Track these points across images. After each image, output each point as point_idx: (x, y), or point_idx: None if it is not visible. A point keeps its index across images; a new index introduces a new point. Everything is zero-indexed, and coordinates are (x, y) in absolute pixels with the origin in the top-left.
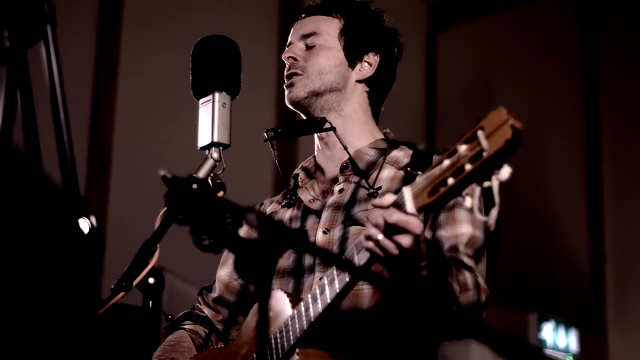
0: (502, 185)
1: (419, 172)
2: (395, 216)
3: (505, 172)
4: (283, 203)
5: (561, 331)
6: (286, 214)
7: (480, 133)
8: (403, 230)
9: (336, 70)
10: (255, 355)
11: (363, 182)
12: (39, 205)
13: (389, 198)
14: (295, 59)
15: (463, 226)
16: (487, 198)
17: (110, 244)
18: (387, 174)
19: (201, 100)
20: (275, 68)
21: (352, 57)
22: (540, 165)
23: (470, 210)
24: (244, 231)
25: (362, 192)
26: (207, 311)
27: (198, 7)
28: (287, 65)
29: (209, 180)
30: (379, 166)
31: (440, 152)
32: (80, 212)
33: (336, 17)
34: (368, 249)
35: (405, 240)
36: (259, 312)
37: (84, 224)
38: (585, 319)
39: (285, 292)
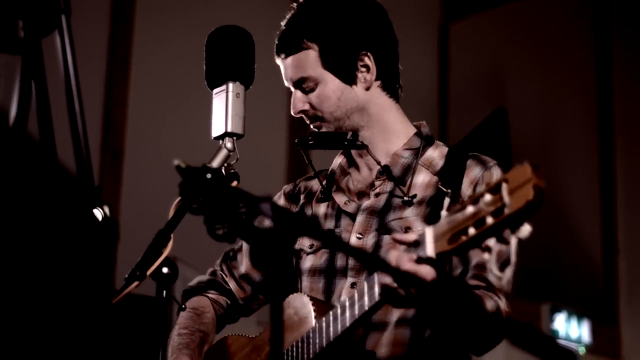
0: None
1: (449, 190)
2: (407, 266)
3: (525, 231)
4: (316, 198)
5: (574, 322)
6: (320, 209)
7: (504, 187)
8: (414, 277)
9: (343, 98)
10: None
11: (397, 191)
12: (54, 195)
13: (411, 236)
14: (304, 111)
15: (489, 241)
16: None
17: (123, 234)
18: (422, 180)
19: (215, 91)
20: None
21: (347, 76)
22: (553, 157)
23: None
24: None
25: (397, 199)
26: (232, 285)
27: None
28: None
29: (223, 170)
30: (414, 169)
31: (475, 154)
32: (94, 202)
33: (310, 47)
34: (382, 289)
35: (414, 287)
36: (272, 302)
37: (98, 214)
38: (598, 310)
39: (312, 298)
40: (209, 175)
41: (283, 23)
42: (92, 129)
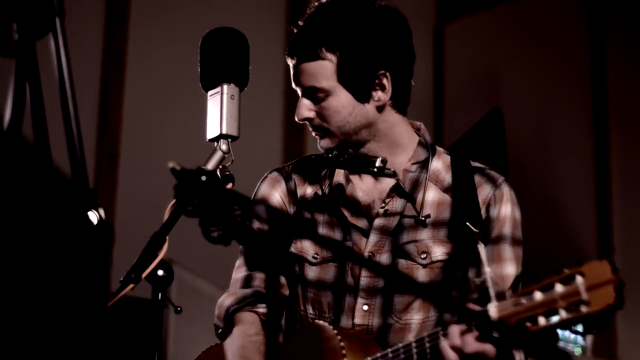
0: (510, 175)
1: (471, 226)
2: (474, 346)
3: (597, 331)
4: (315, 198)
5: None
6: (321, 215)
7: (580, 280)
8: (480, 356)
9: (353, 114)
10: None
11: (408, 210)
12: (49, 198)
13: (475, 308)
14: (309, 119)
15: (508, 266)
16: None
17: (118, 237)
18: (432, 197)
19: (209, 93)
20: (282, 60)
21: (362, 94)
22: (548, 158)
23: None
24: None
25: (409, 219)
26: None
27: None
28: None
29: (218, 173)
30: (423, 185)
31: (479, 167)
32: (89, 204)
33: (327, 58)
34: None
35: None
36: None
37: (93, 217)
38: None
39: (336, 330)
40: (203, 178)
41: (300, 22)
42: (88, 130)
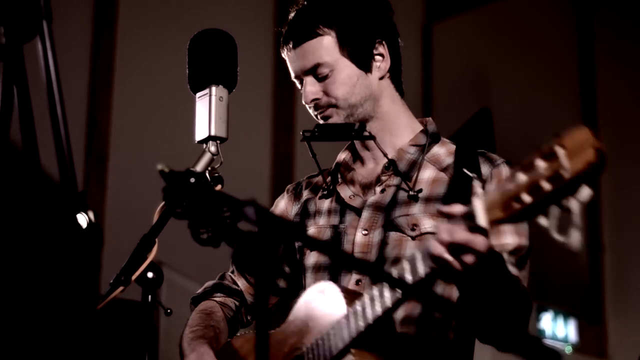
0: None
1: (475, 175)
2: (461, 235)
3: (586, 193)
4: (320, 193)
5: (560, 321)
6: (324, 205)
7: (560, 151)
8: (469, 248)
9: (358, 85)
10: (305, 347)
11: (403, 185)
12: (37, 201)
13: (459, 208)
14: (317, 100)
15: (507, 236)
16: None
17: (108, 239)
18: (427, 175)
19: (198, 94)
20: (271, 61)
21: (364, 63)
22: None
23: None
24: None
25: (403, 194)
26: (241, 283)
27: (193, 2)
28: (310, 106)
29: (207, 174)
30: (420, 165)
31: (482, 151)
32: (78, 207)
33: (326, 32)
34: (433, 262)
35: (469, 258)
36: (257, 305)
37: (82, 219)
38: (584, 309)
39: (340, 286)
40: (192, 180)
41: (292, 14)
42: (76, 133)
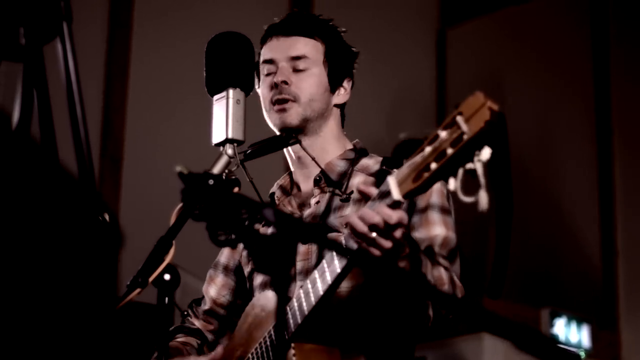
0: (514, 180)
1: (394, 170)
2: (382, 211)
3: (486, 153)
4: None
5: (573, 327)
6: (268, 232)
7: (459, 118)
8: (390, 225)
9: (322, 97)
10: (249, 355)
11: (336, 191)
12: (58, 201)
13: (373, 189)
14: (287, 83)
15: (436, 228)
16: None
17: (123, 241)
18: (357, 181)
19: (215, 97)
20: None
21: (334, 83)
22: (552, 161)
23: (455, 192)
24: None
25: (336, 200)
26: (198, 323)
27: (209, 3)
28: (275, 89)
29: (224, 177)
30: (349, 175)
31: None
32: (99, 207)
33: (319, 41)
34: (358, 243)
35: (391, 232)
36: (278, 306)
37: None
38: (598, 315)
39: (279, 294)
40: (211, 182)
41: (292, 14)
42: (91, 135)
